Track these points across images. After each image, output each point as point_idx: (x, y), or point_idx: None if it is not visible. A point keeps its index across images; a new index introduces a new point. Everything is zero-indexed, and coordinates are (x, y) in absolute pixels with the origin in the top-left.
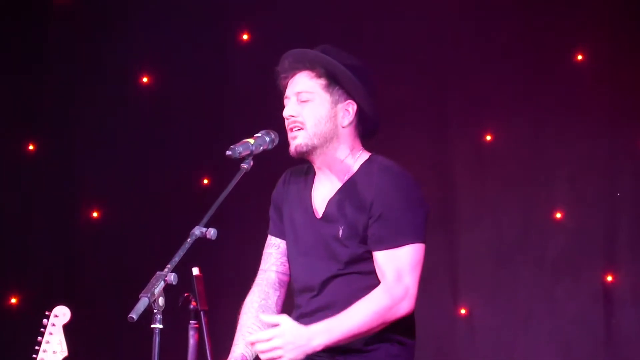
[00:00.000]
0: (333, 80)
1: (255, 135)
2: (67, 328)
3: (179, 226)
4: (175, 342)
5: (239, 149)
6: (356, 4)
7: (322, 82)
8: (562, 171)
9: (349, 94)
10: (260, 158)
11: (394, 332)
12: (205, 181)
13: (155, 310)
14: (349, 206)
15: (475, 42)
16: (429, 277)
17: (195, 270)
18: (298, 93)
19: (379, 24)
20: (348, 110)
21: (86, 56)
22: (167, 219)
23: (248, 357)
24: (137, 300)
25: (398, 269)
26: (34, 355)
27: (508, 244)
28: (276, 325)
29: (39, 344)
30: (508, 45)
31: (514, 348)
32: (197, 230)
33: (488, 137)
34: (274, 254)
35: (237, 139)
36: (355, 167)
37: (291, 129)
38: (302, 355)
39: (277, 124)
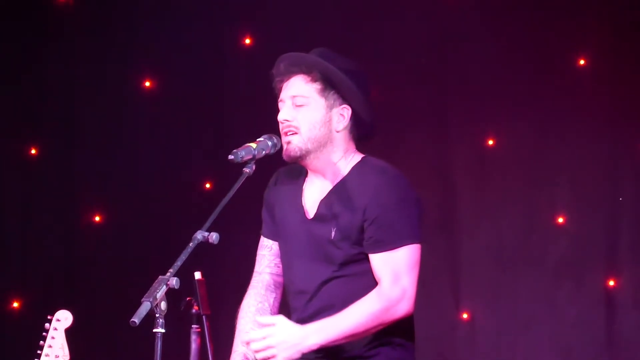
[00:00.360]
0: (328, 85)
1: (257, 140)
2: (69, 332)
3: (181, 230)
4: (177, 346)
5: (241, 154)
6: (357, 6)
7: (317, 86)
8: (563, 175)
9: (344, 99)
10: (262, 162)
11: (394, 335)
12: (208, 185)
13: (157, 315)
14: (340, 207)
15: (476, 46)
16: (431, 281)
17: (198, 275)
18: (293, 97)
19: (379, 27)
20: (343, 114)
21: (88, 60)
22: (169, 223)
23: None
24: (139, 304)
25: (395, 270)
26: None
27: (510, 248)
28: (271, 325)
29: (41, 348)
30: (510, 50)
31: (516, 352)
32: (200, 235)
33: (490, 142)
34: (267, 255)
35: (239, 143)
36: (347, 169)
37: (285, 133)
38: (297, 355)
39: (279, 129)
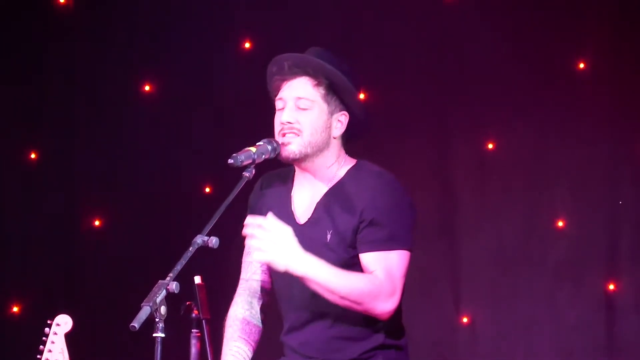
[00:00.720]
0: (331, 90)
1: (257, 144)
2: (69, 337)
3: (181, 235)
4: (177, 351)
5: (241, 158)
6: (357, 10)
7: (322, 91)
8: (563, 179)
9: (344, 105)
10: (262, 167)
11: (389, 337)
12: (207, 190)
13: (157, 319)
14: (337, 211)
15: (476, 48)
16: (431, 284)
17: (197, 279)
18: (298, 99)
19: (380, 31)
20: (341, 121)
21: (88, 63)
22: (169, 228)
23: None
24: (139, 309)
25: (388, 269)
26: None
27: (510, 251)
28: (277, 223)
29: (41, 353)
30: (509, 53)
31: (516, 355)
32: (199, 239)
33: (490, 145)
34: (254, 262)
35: (239, 147)
36: (341, 172)
37: (284, 134)
38: (277, 260)
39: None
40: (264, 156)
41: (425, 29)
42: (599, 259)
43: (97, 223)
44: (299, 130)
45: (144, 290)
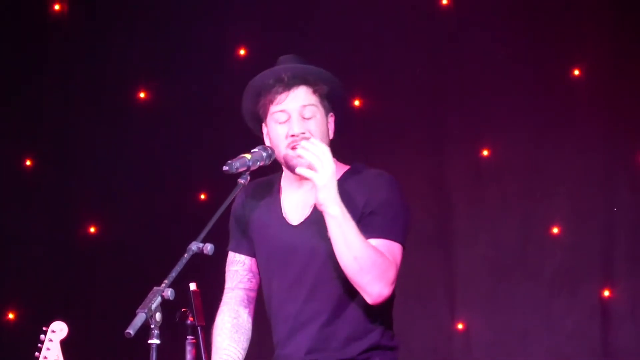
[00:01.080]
0: (324, 95)
1: (252, 151)
2: (64, 343)
3: (176, 241)
4: (172, 357)
5: (235, 165)
6: (353, 18)
7: (318, 97)
8: (559, 186)
9: (331, 107)
10: (257, 173)
11: (384, 338)
12: (202, 197)
13: (152, 326)
14: None
15: (472, 57)
16: (427, 292)
17: (193, 286)
18: (303, 108)
19: (375, 37)
20: (331, 122)
21: (83, 71)
22: (164, 234)
23: None
24: (134, 315)
25: (394, 257)
26: None
27: (506, 259)
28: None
29: (37, 359)
30: (505, 60)
31: None
32: (194, 246)
33: (485, 152)
34: (240, 271)
35: (234, 154)
36: (337, 174)
37: (293, 147)
38: (325, 186)
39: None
40: (258, 163)
41: (420, 38)
42: (594, 267)
43: (92, 230)
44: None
45: (139, 297)
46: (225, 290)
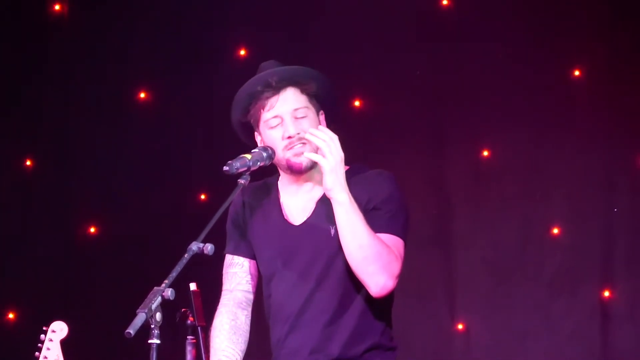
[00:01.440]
0: (312, 94)
1: (252, 151)
2: (64, 343)
3: (176, 242)
4: (172, 357)
5: (236, 165)
6: (352, 19)
7: (307, 96)
8: (559, 187)
9: (320, 104)
10: (257, 174)
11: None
12: (203, 197)
13: (152, 326)
14: None
15: (473, 57)
16: (426, 292)
17: (193, 286)
18: (295, 110)
19: (374, 39)
20: (322, 120)
21: (83, 71)
22: (164, 235)
23: None
24: (134, 315)
25: (399, 251)
26: None
27: (505, 259)
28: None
29: (37, 359)
30: (505, 61)
31: None
32: (194, 246)
33: (485, 153)
34: (239, 273)
35: (234, 154)
36: None
37: (292, 147)
38: (333, 172)
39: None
40: (259, 163)
41: (421, 38)
42: (594, 267)
43: (92, 230)
44: (307, 139)
45: (140, 297)
46: (223, 293)
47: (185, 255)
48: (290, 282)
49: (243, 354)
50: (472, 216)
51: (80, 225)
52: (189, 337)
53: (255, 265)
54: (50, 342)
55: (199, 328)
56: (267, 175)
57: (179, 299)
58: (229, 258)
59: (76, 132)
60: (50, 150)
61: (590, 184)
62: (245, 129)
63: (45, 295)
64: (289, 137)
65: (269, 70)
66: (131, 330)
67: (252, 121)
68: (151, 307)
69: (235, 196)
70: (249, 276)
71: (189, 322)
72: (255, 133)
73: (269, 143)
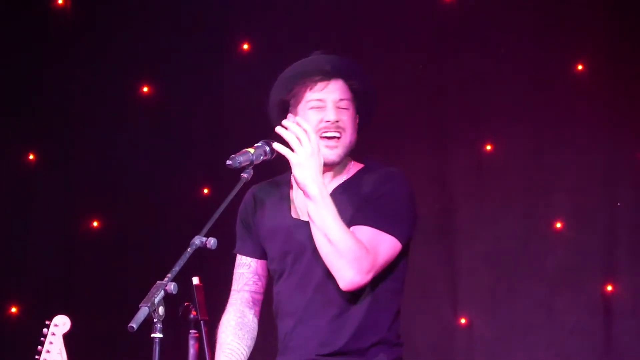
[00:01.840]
0: (357, 94)
1: (255, 145)
2: (67, 337)
3: (179, 236)
4: (175, 351)
5: (239, 159)
6: (355, 14)
7: (352, 94)
8: (561, 181)
9: (357, 108)
10: (260, 168)
11: (390, 333)
12: (206, 191)
13: (155, 320)
14: (348, 203)
15: (475, 52)
16: (429, 287)
17: (196, 280)
18: (340, 100)
19: (378, 34)
20: (356, 122)
21: (86, 66)
22: (167, 229)
23: None
24: (137, 309)
25: (374, 246)
26: None
27: (507, 254)
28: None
29: (39, 353)
30: (508, 55)
31: (514, 358)
32: (197, 240)
33: (488, 147)
34: (246, 273)
35: (237, 148)
36: (352, 171)
37: (326, 132)
38: (304, 167)
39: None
40: (262, 157)
41: (423, 33)
42: (597, 262)
43: (95, 224)
44: (342, 129)
45: (142, 291)
46: (232, 292)
47: (188, 250)
48: (299, 276)
49: (249, 350)
50: (475, 211)
51: (82, 220)
52: (191, 331)
53: (264, 265)
54: (53, 336)
55: (201, 322)
56: (271, 169)
57: (182, 293)
58: (237, 258)
59: (79, 127)
60: (53, 144)
61: (593, 178)
62: (281, 109)
63: (48, 289)
64: (327, 122)
65: (326, 56)
66: (134, 324)
67: (292, 100)
68: (154, 301)
69: (247, 196)
70: (257, 276)
71: (191, 316)
72: (289, 114)
73: (305, 121)
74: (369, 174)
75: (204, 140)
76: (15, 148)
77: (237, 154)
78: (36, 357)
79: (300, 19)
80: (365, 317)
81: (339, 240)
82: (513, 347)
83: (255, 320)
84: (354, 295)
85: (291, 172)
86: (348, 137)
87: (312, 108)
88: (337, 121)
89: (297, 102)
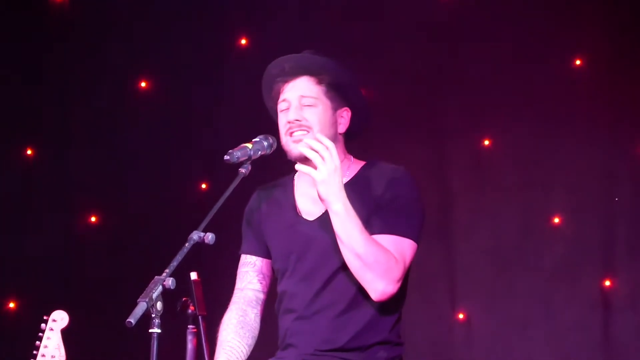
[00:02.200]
0: (332, 87)
1: (253, 140)
2: (65, 333)
3: (177, 231)
4: (173, 347)
5: (237, 154)
6: (353, 11)
7: (323, 88)
8: (560, 176)
9: (346, 101)
10: (258, 163)
11: (391, 332)
12: (203, 186)
13: (153, 315)
14: (354, 203)
15: (473, 47)
16: (427, 282)
17: (194, 275)
18: (302, 97)
19: (376, 31)
20: (343, 116)
21: (83, 61)
22: (165, 224)
23: None
24: (135, 304)
25: (402, 254)
26: None
27: (506, 249)
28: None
29: (37, 348)
30: (506, 50)
31: (512, 354)
32: (195, 235)
33: (486, 142)
34: (250, 272)
35: (235, 143)
36: (353, 169)
37: (292, 133)
38: (326, 182)
39: (275, 129)
40: (260, 152)
41: (421, 28)
42: (595, 257)
43: (93, 219)
44: (307, 127)
45: (141, 286)
46: (235, 291)
47: (186, 245)
48: (303, 275)
49: (250, 349)
50: (473, 206)
51: (81, 215)
52: (189, 326)
53: (269, 265)
54: (51, 331)
55: (199, 317)
56: (269, 164)
57: (180, 288)
58: (242, 257)
59: (77, 122)
60: (50, 139)
61: (591, 173)
62: (276, 114)
63: (46, 284)
64: (289, 122)
65: (286, 56)
66: (132, 319)
67: (275, 106)
68: (152, 296)
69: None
70: (261, 275)
71: (189, 311)
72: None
73: (280, 125)
74: (374, 172)
75: (201, 135)
76: (14, 143)
77: (235, 149)
78: (34, 352)
79: (298, 16)
80: (370, 318)
81: (367, 254)
82: (511, 342)
83: (257, 319)
84: (359, 297)
85: (295, 173)
86: (318, 131)
87: (281, 111)
88: (298, 120)
89: (276, 106)
